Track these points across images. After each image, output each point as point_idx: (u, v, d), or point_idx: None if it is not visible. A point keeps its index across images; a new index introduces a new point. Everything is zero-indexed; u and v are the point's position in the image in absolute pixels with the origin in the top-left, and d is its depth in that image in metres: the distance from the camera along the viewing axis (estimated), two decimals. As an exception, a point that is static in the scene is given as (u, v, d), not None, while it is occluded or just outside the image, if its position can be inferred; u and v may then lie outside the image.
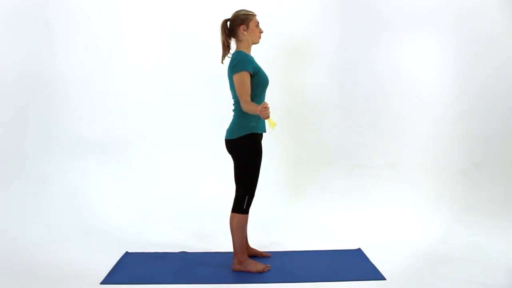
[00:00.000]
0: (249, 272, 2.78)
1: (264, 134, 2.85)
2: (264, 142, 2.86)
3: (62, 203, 3.71)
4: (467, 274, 2.73)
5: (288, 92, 4.06)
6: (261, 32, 2.80)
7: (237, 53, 2.73)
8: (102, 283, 2.67)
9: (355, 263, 2.95)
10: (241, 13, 2.76)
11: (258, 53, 3.00)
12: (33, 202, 3.60)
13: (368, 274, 2.75)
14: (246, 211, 2.75)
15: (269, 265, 2.85)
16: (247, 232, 2.92)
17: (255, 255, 3.01)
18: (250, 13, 2.77)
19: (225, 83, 2.83)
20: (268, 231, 3.57)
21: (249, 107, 2.60)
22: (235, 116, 2.77)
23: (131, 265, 2.94)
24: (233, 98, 2.79)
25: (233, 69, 2.66)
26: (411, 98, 3.82)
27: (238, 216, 2.75)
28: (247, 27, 2.74)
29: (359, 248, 3.19)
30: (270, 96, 2.90)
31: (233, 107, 2.80)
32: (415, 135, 3.83)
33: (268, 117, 2.43)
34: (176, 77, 4.22)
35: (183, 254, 3.14)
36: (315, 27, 4.07)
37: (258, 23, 2.78)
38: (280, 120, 2.72)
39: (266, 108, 2.42)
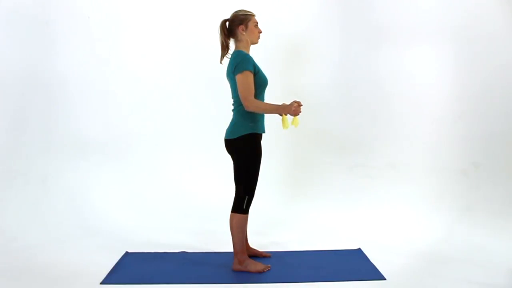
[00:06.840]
0: (249, 272, 2.78)
1: (264, 134, 2.85)
2: (264, 142, 2.86)
3: (62, 203, 3.71)
4: (467, 274, 2.73)
5: (288, 92, 4.04)
6: (260, 32, 2.79)
7: (237, 53, 2.72)
8: (102, 283, 2.67)
9: (355, 263, 2.95)
10: (240, 13, 2.76)
11: (258, 53, 3.00)
12: (33, 202, 3.60)
13: (368, 274, 2.75)
14: (246, 211, 2.75)
15: (269, 265, 2.85)
16: (247, 232, 2.92)
17: (255, 255, 3.01)
18: (248, 13, 2.77)
19: (225, 83, 2.82)
20: (268, 231, 3.57)
21: (259, 105, 2.63)
22: (234, 116, 2.76)
23: (131, 265, 2.94)
24: (232, 98, 2.79)
25: (235, 70, 2.65)
26: (411, 98, 3.82)
27: (238, 216, 2.75)
28: (246, 27, 2.74)
29: (359, 248, 3.19)
30: (270, 96, 2.91)
31: (232, 107, 2.80)
32: (415, 135, 3.82)
33: (299, 113, 2.62)
34: (176, 77, 4.22)
35: (183, 254, 3.14)
36: (315, 28, 4.07)
37: (257, 23, 2.78)
38: (280, 120, 2.73)
39: (300, 105, 2.63)
